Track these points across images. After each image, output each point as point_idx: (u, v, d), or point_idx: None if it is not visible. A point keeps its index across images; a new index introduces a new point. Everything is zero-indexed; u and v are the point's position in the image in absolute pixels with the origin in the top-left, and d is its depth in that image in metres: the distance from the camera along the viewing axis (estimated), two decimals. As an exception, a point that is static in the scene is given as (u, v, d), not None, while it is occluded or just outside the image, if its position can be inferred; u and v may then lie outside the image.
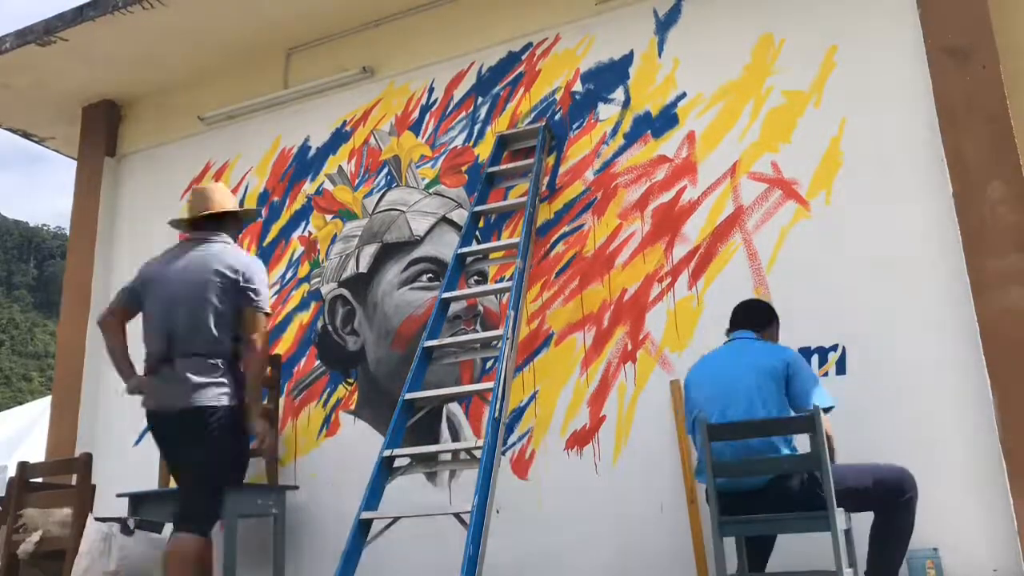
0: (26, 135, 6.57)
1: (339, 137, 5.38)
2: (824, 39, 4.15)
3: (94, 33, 5.45)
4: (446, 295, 4.24)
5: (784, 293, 3.94)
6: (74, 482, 4.10)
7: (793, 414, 3.19)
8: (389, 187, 5.13)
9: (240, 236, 5.47)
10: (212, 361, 3.44)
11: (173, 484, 4.93)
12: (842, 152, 3.99)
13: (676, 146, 4.37)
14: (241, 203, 5.42)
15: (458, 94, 5.06)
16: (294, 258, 5.31)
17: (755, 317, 3.55)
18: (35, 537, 3.94)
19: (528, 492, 4.24)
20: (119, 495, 4.58)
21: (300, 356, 5.07)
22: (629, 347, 4.22)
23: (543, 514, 4.17)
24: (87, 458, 4.02)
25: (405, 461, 3.86)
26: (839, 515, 2.88)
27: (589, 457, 4.17)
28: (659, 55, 4.54)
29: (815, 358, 3.77)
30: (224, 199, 3.81)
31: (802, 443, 3.18)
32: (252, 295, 3.54)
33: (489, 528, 3.32)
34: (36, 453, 6.44)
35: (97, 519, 3.90)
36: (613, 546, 3.88)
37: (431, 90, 5.15)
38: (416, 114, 5.16)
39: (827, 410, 3.13)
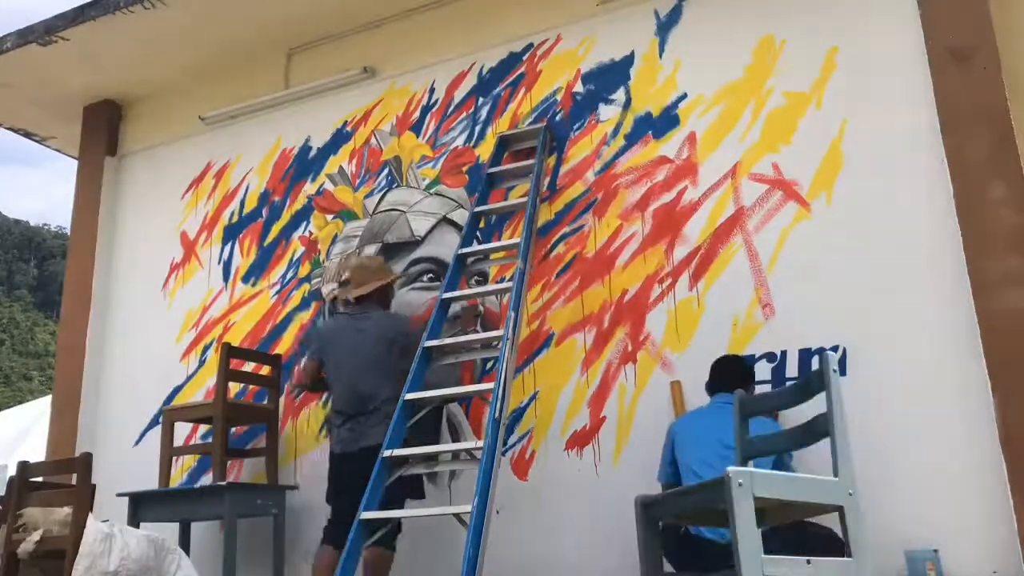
0: (27, 134, 6.58)
1: (340, 137, 5.38)
2: (825, 40, 4.15)
3: (95, 33, 5.45)
4: (446, 295, 4.24)
5: (784, 294, 3.94)
6: (74, 482, 4.09)
7: None
8: (390, 187, 5.13)
9: (240, 238, 5.51)
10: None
11: (173, 484, 4.99)
12: (843, 153, 3.99)
13: (677, 147, 4.37)
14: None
15: (459, 95, 5.07)
16: (295, 258, 5.31)
17: (734, 380, 3.56)
18: (35, 537, 3.93)
19: (528, 493, 4.24)
20: (119, 495, 4.59)
21: (301, 356, 5.07)
22: (629, 348, 4.22)
23: (543, 515, 4.17)
24: (87, 458, 4.02)
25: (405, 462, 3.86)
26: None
27: (589, 458, 4.17)
28: (660, 56, 4.54)
29: (815, 358, 3.76)
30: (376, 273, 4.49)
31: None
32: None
33: (489, 529, 3.32)
34: (36, 453, 6.44)
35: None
36: (613, 547, 3.87)
37: (432, 91, 5.15)
38: (417, 114, 5.16)
39: None
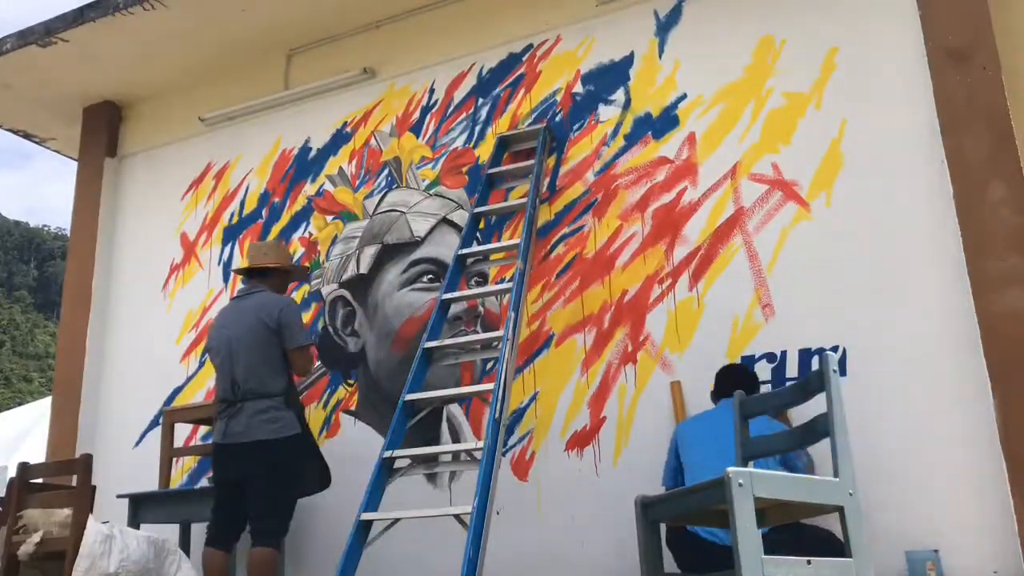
0: (27, 136, 6.58)
1: (340, 138, 5.38)
2: (825, 41, 4.15)
3: (95, 34, 5.45)
4: (446, 296, 4.24)
5: (784, 294, 3.94)
6: (74, 483, 4.10)
7: None
8: (390, 188, 5.13)
9: (240, 238, 5.50)
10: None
11: (173, 485, 4.99)
12: (842, 153, 4.00)
13: (677, 147, 4.37)
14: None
15: (459, 95, 5.07)
16: (295, 259, 5.30)
17: (740, 386, 3.57)
18: (35, 538, 3.94)
19: (528, 493, 4.24)
20: (119, 496, 4.59)
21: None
22: (629, 348, 4.22)
23: (543, 515, 4.17)
24: (87, 459, 4.02)
25: (405, 462, 3.86)
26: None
27: (589, 458, 4.17)
28: (660, 56, 4.54)
29: (815, 358, 3.76)
30: (268, 255, 4.27)
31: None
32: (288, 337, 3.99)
33: (489, 529, 3.32)
34: (36, 454, 6.44)
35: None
36: (613, 547, 3.87)
37: (432, 91, 5.15)
38: (417, 115, 5.16)
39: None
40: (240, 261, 5.47)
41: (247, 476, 3.80)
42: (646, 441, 4.03)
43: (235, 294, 4.42)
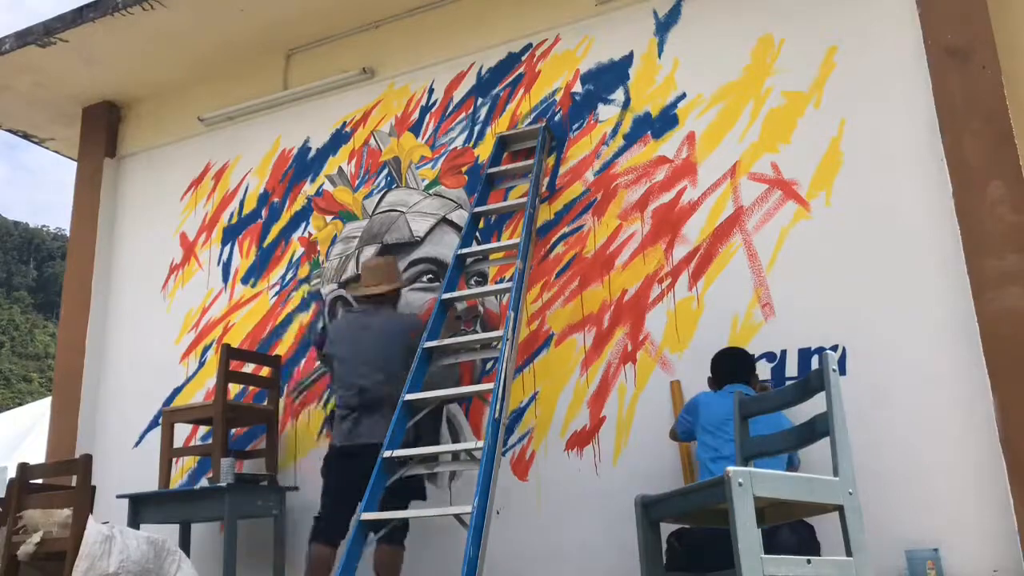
0: (26, 136, 6.58)
1: (339, 138, 5.38)
2: (824, 40, 4.15)
3: (94, 34, 5.45)
4: (446, 296, 4.24)
5: (784, 293, 3.94)
6: (74, 483, 4.09)
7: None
8: (389, 188, 5.13)
9: (240, 238, 5.51)
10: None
11: (173, 485, 4.98)
12: (842, 152, 4.00)
13: (676, 147, 4.37)
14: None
15: (458, 95, 5.07)
16: (294, 259, 5.31)
17: (743, 369, 3.61)
18: (35, 538, 3.94)
19: (528, 493, 4.24)
20: (119, 496, 4.59)
21: (300, 357, 5.07)
22: (629, 348, 4.22)
23: (543, 515, 4.17)
24: (87, 459, 4.02)
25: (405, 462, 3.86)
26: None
27: (589, 458, 4.17)
28: (659, 56, 4.54)
29: (815, 358, 3.76)
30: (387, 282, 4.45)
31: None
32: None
33: (489, 529, 3.32)
34: (36, 454, 6.44)
35: None
36: (613, 547, 3.87)
37: (431, 91, 5.15)
38: (416, 115, 5.16)
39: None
40: (241, 261, 5.48)
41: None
42: (646, 441, 4.04)
43: (354, 309, 4.61)
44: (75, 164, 6.38)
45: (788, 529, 3.04)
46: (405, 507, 3.93)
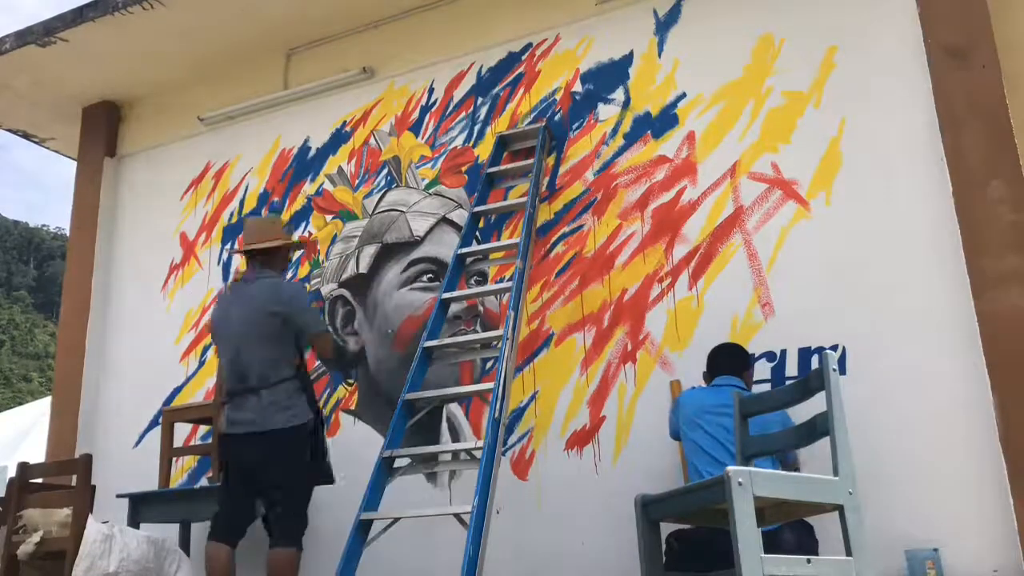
0: (26, 136, 6.58)
1: (339, 138, 5.38)
2: (824, 39, 4.14)
3: (94, 34, 5.45)
4: (446, 296, 4.24)
5: (784, 293, 3.94)
6: (74, 483, 4.09)
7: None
8: (389, 187, 5.13)
9: (240, 238, 5.49)
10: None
11: (173, 485, 4.98)
12: (842, 152, 4.00)
13: (676, 146, 4.37)
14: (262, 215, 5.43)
15: (458, 95, 5.06)
16: (294, 259, 5.30)
17: (733, 363, 3.61)
18: (35, 538, 3.94)
19: (528, 492, 4.24)
20: (119, 496, 4.59)
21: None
22: (629, 347, 4.22)
23: (543, 514, 4.17)
24: (87, 459, 4.02)
25: (405, 461, 3.86)
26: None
27: (589, 457, 4.17)
28: (659, 55, 4.54)
29: (815, 358, 3.76)
30: (267, 233, 4.01)
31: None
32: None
33: (489, 528, 3.32)
34: (36, 454, 6.44)
35: None
36: (613, 547, 3.87)
37: (431, 90, 5.15)
38: (416, 114, 5.16)
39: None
40: (241, 260, 5.47)
41: (260, 468, 3.65)
42: (646, 440, 4.04)
43: (236, 277, 4.27)
44: (74, 163, 6.38)
45: (788, 528, 3.05)
46: (304, 500, 3.74)
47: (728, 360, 3.64)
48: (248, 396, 3.71)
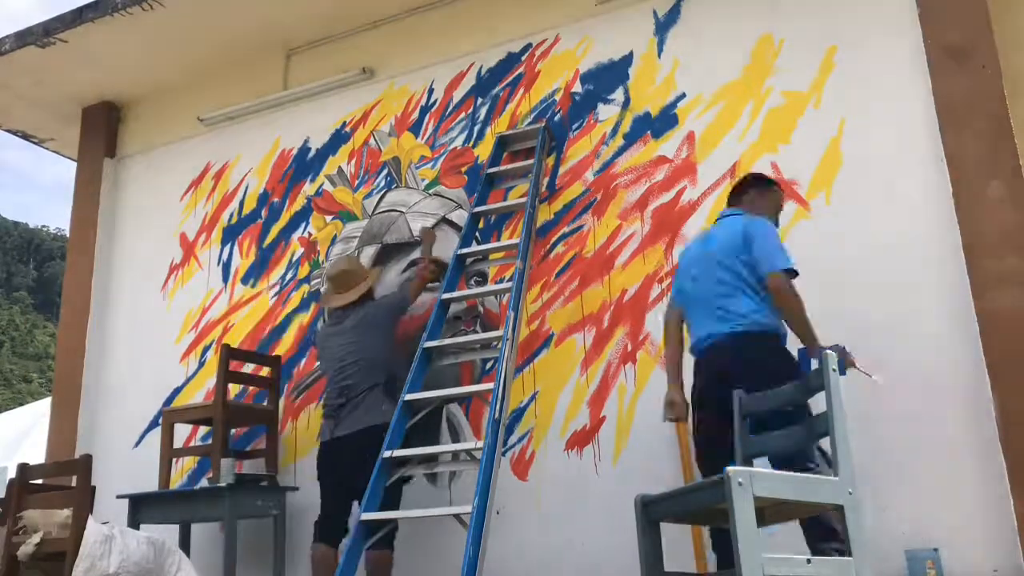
0: (26, 136, 6.58)
1: (339, 138, 5.38)
2: (823, 39, 4.15)
3: (94, 34, 5.45)
4: (446, 296, 4.24)
5: (784, 293, 3.93)
6: (74, 483, 4.09)
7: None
8: (389, 188, 5.13)
9: (239, 239, 5.49)
10: None
11: (173, 486, 4.98)
12: (842, 152, 4.00)
13: (676, 146, 4.37)
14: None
15: (458, 95, 5.07)
16: (294, 259, 5.31)
17: (736, 191, 3.61)
18: (35, 539, 3.93)
19: (528, 493, 4.24)
20: (119, 496, 4.59)
21: (300, 357, 5.07)
22: (629, 348, 4.22)
23: (543, 515, 4.17)
24: (87, 460, 4.02)
25: (412, 468, 3.87)
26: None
27: (589, 458, 4.17)
28: (659, 56, 4.54)
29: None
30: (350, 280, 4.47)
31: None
32: None
33: (489, 529, 3.32)
34: (36, 455, 6.44)
35: None
36: (613, 547, 3.87)
37: (431, 91, 5.15)
38: (416, 115, 5.16)
39: (789, 272, 3.22)
40: (241, 261, 5.48)
41: (360, 468, 3.83)
42: (646, 441, 4.04)
43: (331, 317, 4.55)
44: (74, 164, 6.38)
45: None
46: (397, 506, 3.92)
47: (735, 189, 3.63)
48: (352, 406, 4.10)
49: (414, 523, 4.02)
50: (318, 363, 4.55)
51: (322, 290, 5.06)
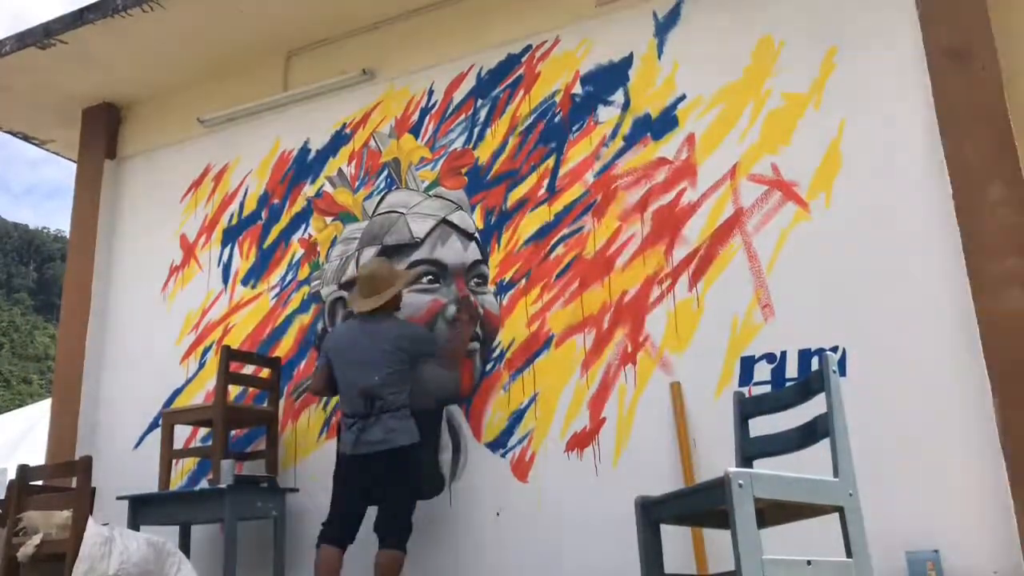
0: (26, 138, 6.58)
1: (339, 139, 5.38)
2: (824, 41, 4.15)
3: (94, 36, 5.45)
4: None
5: (784, 295, 3.94)
6: (74, 485, 4.09)
7: None
8: (389, 189, 5.13)
9: (240, 240, 5.50)
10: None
11: (173, 487, 4.98)
12: (842, 154, 4.00)
13: (676, 148, 4.37)
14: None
15: (458, 96, 5.07)
16: (294, 260, 5.31)
17: None
18: (35, 540, 3.94)
19: (528, 494, 4.24)
20: (119, 498, 4.59)
21: (300, 358, 5.07)
22: (629, 349, 4.22)
23: (543, 516, 4.17)
24: (87, 461, 4.02)
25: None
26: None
27: (589, 459, 4.17)
28: (659, 57, 4.54)
29: (815, 359, 3.76)
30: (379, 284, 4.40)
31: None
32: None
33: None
34: (36, 456, 6.43)
35: None
36: (613, 548, 3.87)
37: (431, 92, 5.15)
38: (416, 116, 5.16)
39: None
40: (241, 262, 5.48)
41: (383, 482, 3.99)
42: (646, 442, 4.04)
43: (353, 316, 4.53)
44: (74, 165, 6.38)
45: None
46: (412, 510, 3.96)
47: None
48: (370, 420, 4.09)
49: (416, 523, 4.01)
50: (322, 359, 4.43)
51: (329, 287, 5.08)
